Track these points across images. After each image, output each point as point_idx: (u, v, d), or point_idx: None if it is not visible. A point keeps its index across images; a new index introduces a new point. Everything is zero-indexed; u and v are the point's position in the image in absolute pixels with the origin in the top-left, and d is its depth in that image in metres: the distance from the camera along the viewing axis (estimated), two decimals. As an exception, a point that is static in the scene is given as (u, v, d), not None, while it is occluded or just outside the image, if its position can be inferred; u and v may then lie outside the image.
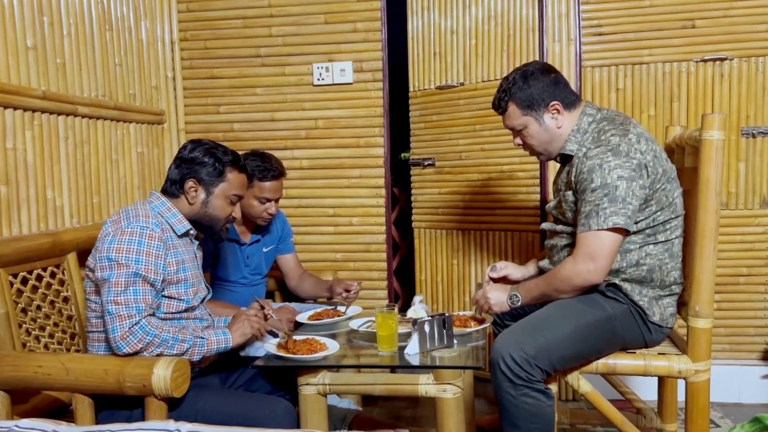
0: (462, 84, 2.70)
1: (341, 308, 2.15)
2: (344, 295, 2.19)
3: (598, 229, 1.57)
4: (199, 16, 2.77)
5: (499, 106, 1.80)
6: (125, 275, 1.50)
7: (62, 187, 2.08)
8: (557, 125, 1.75)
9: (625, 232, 1.61)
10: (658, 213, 1.64)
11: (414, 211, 2.93)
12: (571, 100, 1.76)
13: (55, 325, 1.87)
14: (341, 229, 2.80)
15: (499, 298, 1.78)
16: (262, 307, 1.89)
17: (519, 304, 1.76)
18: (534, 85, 1.74)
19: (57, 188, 2.05)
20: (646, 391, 2.26)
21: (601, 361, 1.68)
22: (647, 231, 1.65)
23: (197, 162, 1.68)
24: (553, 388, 1.63)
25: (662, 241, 1.66)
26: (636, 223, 1.62)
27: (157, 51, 2.69)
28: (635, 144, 1.61)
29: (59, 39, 2.08)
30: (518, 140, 1.83)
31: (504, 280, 1.96)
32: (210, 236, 1.79)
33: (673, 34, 2.48)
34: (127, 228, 1.55)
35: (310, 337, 1.79)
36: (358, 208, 2.78)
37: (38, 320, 1.81)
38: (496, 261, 2.68)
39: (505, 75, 1.88)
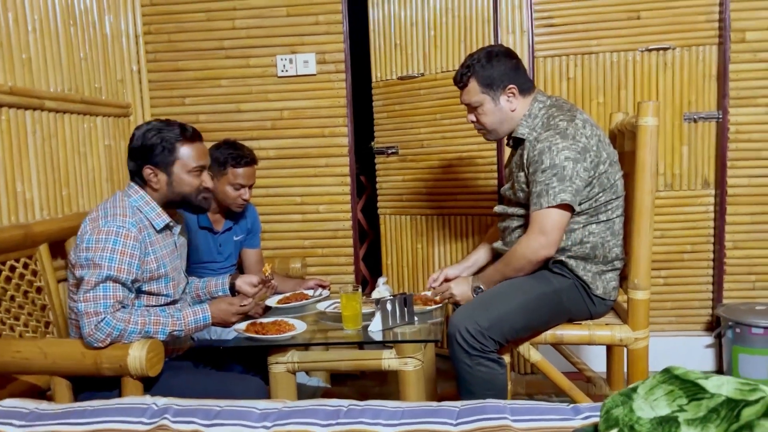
0: (422, 74, 2.79)
1: (308, 292, 2.24)
2: (318, 291, 2.24)
3: (548, 207, 1.69)
4: (162, 9, 2.81)
5: (461, 80, 1.88)
6: (97, 276, 1.54)
7: (31, 180, 2.11)
8: (511, 108, 1.85)
9: (571, 209, 1.73)
10: (600, 194, 1.77)
11: (379, 198, 3.03)
12: (527, 86, 1.87)
13: (29, 314, 1.92)
14: (308, 217, 2.88)
15: (463, 291, 1.88)
16: (269, 281, 1.96)
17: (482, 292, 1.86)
18: (496, 66, 1.83)
19: (26, 182, 2.09)
20: (596, 363, 2.42)
21: (550, 332, 1.81)
22: (590, 211, 1.77)
23: (146, 148, 1.66)
24: (506, 358, 1.76)
25: (604, 221, 1.79)
26: (580, 204, 1.75)
27: (122, 44, 2.72)
28: (581, 129, 1.74)
29: (24, 34, 2.11)
30: (472, 116, 1.91)
31: (446, 281, 2.04)
32: (192, 211, 1.79)
33: (619, 25, 2.62)
34: (104, 227, 1.58)
35: (279, 319, 1.89)
36: (324, 195, 2.86)
37: (12, 310, 1.86)
38: (457, 244, 2.82)
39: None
